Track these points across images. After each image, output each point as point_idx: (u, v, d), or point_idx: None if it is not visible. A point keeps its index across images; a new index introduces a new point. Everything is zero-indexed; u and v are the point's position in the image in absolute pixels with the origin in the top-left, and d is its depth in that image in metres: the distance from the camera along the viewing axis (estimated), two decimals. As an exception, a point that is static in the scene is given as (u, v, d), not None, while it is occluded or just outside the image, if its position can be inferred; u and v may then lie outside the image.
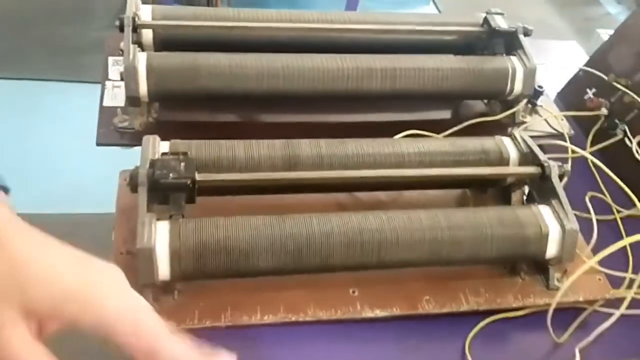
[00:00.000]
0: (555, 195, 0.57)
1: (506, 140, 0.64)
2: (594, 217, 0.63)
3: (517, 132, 0.63)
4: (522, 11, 2.56)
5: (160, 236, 0.49)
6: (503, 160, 0.62)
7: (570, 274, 0.60)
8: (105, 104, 0.71)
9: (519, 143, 0.62)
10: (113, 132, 0.68)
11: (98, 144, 0.67)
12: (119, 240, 0.56)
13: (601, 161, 0.70)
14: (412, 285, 0.58)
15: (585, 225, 0.65)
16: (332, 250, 0.52)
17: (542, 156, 0.60)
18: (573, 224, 0.55)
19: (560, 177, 0.58)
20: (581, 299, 0.59)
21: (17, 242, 0.35)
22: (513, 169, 0.61)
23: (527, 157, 0.62)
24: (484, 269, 0.60)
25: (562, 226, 0.56)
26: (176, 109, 0.72)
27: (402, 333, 0.57)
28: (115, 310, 0.35)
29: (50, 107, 1.85)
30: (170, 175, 0.51)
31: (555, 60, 0.96)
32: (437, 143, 0.63)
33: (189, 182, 0.51)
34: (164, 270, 0.49)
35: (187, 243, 0.50)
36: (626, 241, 0.56)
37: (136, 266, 0.50)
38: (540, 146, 0.63)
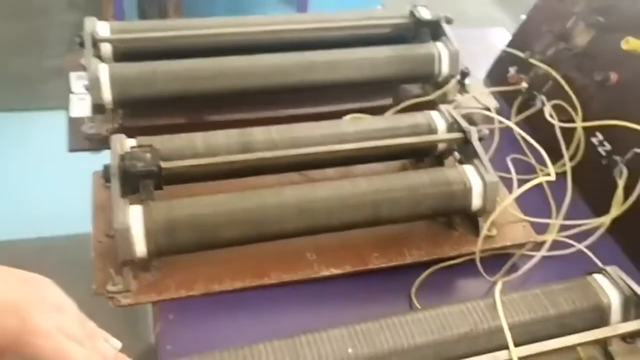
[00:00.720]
0: (477, 156, 0.66)
1: (434, 114, 0.72)
2: (513, 174, 0.72)
3: (443, 106, 0.72)
4: (468, 8, 2.66)
5: (134, 216, 0.56)
6: (432, 131, 0.71)
7: (498, 223, 0.69)
8: (72, 115, 0.77)
9: (445, 115, 0.71)
10: (82, 139, 0.75)
11: (70, 150, 0.74)
12: (98, 231, 0.63)
13: (526, 130, 0.80)
14: (362, 245, 0.66)
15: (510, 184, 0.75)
16: (287, 217, 0.60)
17: (464, 123, 0.69)
18: (492, 177, 0.64)
19: (480, 139, 0.67)
20: (508, 243, 0.68)
21: None
22: (440, 136, 0.70)
23: (453, 127, 0.71)
24: (423, 227, 0.69)
25: (484, 180, 0.64)
26: (139, 114, 0.79)
27: (355, 289, 0.65)
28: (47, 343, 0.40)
29: (12, 136, 1.87)
30: (138, 164, 0.58)
31: (486, 45, 1.06)
32: (375, 121, 0.72)
33: (155, 168, 0.58)
34: (140, 247, 0.56)
35: (160, 221, 0.57)
36: (535, 181, 0.65)
37: (115, 249, 0.57)
38: (471, 121, 0.72)
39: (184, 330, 0.58)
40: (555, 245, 0.71)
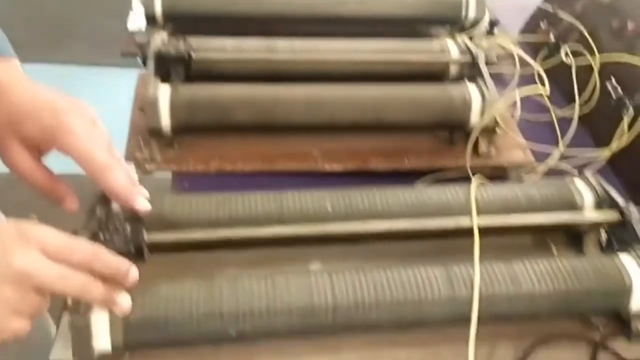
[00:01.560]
0: (481, 75, 0.71)
1: (449, 42, 0.77)
2: (517, 95, 0.76)
3: (459, 36, 0.77)
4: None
5: (163, 92, 0.65)
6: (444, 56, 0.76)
7: (498, 145, 0.74)
8: (129, 26, 0.87)
9: (458, 43, 0.76)
10: (134, 47, 0.84)
11: (122, 55, 0.83)
12: (135, 114, 0.72)
13: (547, 78, 0.83)
14: (364, 150, 0.72)
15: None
16: (295, 109, 0.67)
17: (474, 48, 0.73)
18: (492, 95, 0.69)
19: (487, 63, 0.71)
20: (504, 162, 0.72)
21: (16, 90, 0.49)
22: (448, 56, 0.74)
23: (465, 53, 0.75)
24: (425, 140, 0.74)
25: (483, 96, 0.69)
26: (188, 29, 0.83)
27: (355, 185, 0.70)
28: (76, 144, 0.47)
29: (83, 90, 2.02)
30: (172, 50, 0.67)
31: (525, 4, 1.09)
32: (394, 43, 0.77)
33: (186, 55, 0.67)
34: (165, 118, 0.65)
35: (183, 99, 0.65)
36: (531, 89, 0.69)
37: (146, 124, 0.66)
38: (490, 60, 0.75)
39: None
40: (554, 173, 0.74)
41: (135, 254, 0.49)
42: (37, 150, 0.50)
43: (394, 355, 0.52)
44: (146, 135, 0.68)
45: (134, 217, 0.49)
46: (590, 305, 0.52)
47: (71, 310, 0.44)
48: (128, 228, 0.48)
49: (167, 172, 0.68)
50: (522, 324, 0.54)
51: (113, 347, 0.45)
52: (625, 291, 0.52)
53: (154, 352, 0.49)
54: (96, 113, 0.51)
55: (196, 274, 0.55)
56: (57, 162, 0.52)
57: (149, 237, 0.49)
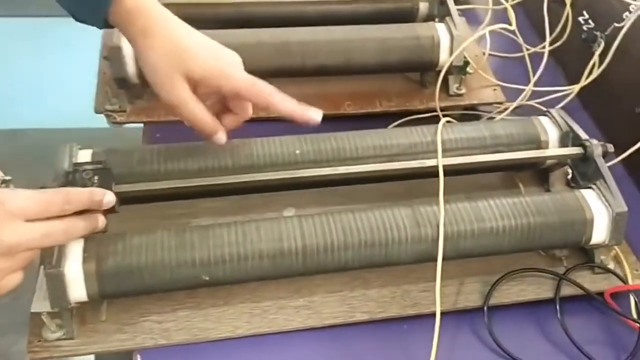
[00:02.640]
0: (449, 14, 0.70)
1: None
2: (486, 30, 0.75)
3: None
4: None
5: (125, 44, 0.64)
6: (413, -5, 0.74)
7: (469, 85, 0.74)
8: None
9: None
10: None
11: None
12: (103, 63, 0.71)
13: (521, 14, 0.83)
14: (336, 95, 0.72)
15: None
16: (264, 56, 0.67)
17: None
18: (460, 32, 0.68)
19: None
20: (475, 102, 0.73)
21: (175, 29, 0.52)
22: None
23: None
24: (396, 83, 0.74)
25: (451, 35, 0.69)
26: None
27: (327, 130, 0.71)
28: (241, 82, 0.52)
29: (53, 41, 1.96)
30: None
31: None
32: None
33: None
34: (131, 67, 0.64)
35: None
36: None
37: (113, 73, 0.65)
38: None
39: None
40: (525, 111, 0.75)
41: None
42: (194, 88, 0.52)
43: (364, 295, 0.54)
44: (115, 86, 0.67)
45: (103, 169, 0.49)
46: (552, 239, 0.54)
47: (45, 263, 0.45)
48: (96, 180, 0.48)
49: (138, 123, 0.68)
50: (488, 260, 0.56)
51: (89, 296, 0.47)
52: (587, 224, 0.53)
53: (133, 298, 0.50)
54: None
55: (168, 223, 0.56)
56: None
57: (118, 188, 0.49)
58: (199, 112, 0.52)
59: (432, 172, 0.56)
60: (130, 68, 0.64)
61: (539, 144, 0.60)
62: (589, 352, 0.52)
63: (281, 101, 0.53)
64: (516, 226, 0.52)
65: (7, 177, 0.49)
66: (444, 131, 0.59)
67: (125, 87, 0.66)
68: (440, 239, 0.51)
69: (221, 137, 0.53)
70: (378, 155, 0.57)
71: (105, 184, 0.48)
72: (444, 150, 0.57)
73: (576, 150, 0.57)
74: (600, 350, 0.53)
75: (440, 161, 0.55)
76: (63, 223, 0.44)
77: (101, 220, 0.47)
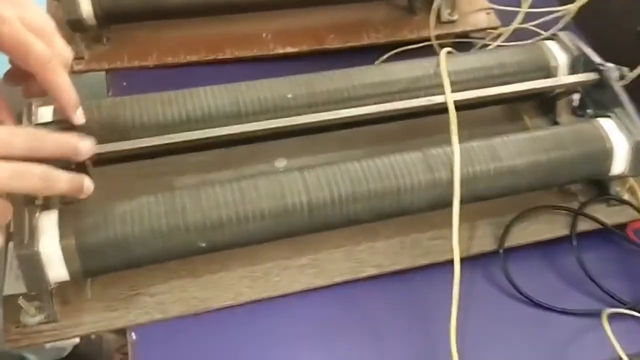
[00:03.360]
0: None
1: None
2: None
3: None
4: None
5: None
6: None
7: (461, 10, 0.68)
8: None
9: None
10: None
11: None
12: (51, 2, 0.62)
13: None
14: (319, 27, 0.66)
15: None
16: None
17: None
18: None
19: None
20: (469, 28, 0.67)
21: None
22: None
23: None
24: (383, 11, 0.68)
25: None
26: None
27: (311, 69, 0.64)
28: (10, 30, 0.39)
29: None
30: None
31: None
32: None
33: None
34: (85, 6, 0.56)
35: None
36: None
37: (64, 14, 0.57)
38: None
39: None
40: (520, 35, 0.70)
41: (76, 168, 0.43)
42: None
43: (372, 248, 0.50)
44: (68, 30, 0.58)
45: (69, 127, 0.42)
46: (572, 174, 0.50)
47: (16, 242, 0.38)
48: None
49: (99, 71, 0.60)
50: (497, 200, 0.52)
51: (71, 275, 0.41)
52: (607, 155, 0.50)
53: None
54: None
55: (151, 183, 0.50)
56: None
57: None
58: None
59: (436, 110, 0.51)
60: (86, 6, 0.56)
61: (548, 71, 0.55)
62: (608, 289, 0.50)
63: (55, 76, 0.41)
64: (535, 163, 0.48)
65: None
66: (448, 63, 0.53)
67: (81, 30, 0.58)
68: (456, 182, 0.46)
69: None
70: (378, 94, 0.51)
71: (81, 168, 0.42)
72: (449, 84, 0.51)
73: (591, 75, 0.53)
74: (619, 285, 0.51)
75: (450, 97, 0.50)
76: (39, 167, 0.37)
77: (87, 182, 0.41)
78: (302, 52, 0.64)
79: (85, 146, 0.41)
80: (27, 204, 0.39)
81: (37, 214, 0.40)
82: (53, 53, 0.41)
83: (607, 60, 0.69)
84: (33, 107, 0.45)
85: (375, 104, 0.51)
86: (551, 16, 0.70)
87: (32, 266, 0.39)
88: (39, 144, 0.38)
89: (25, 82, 0.43)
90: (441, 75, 0.52)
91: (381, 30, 0.66)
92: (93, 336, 1.06)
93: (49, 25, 0.43)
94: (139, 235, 0.41)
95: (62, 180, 0.39)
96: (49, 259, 0.39)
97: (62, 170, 0.39)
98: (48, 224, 0.40)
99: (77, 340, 1.02)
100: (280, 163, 0.54)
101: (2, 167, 0.35)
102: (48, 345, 0.44)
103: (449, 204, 0.47)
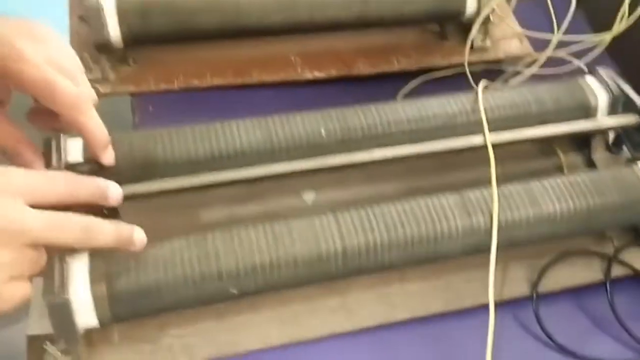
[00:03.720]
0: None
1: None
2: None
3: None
4: None
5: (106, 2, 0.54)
6: None
7: (493, 36, 0.66)
8: None
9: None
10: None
11: None
12: (74, 20, 0.61)
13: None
14: (348, 52, 0.64)
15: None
16: (267, 9, 0.58)
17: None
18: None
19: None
20: (502, 55, 0.66)
21: None
22: None
23: None
24: (414, 36, 0.66)
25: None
26: None
27: (339, 96, 0.63)
28: (33, 70, 0.38)
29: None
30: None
31: None
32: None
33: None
34: (113, 28, 0.54)
35: (133, 2, 0.54)
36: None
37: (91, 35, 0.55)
38: None
39: (161, 122, 0.58)
40: (552, 62, 0.68)
41: (107, 208, 0.41)
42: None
43: (404, 290, 0.48)
44: (94, 51, 0.57)
45: (100, 167, 0.41)
46: (611, 221, 0.49)
47: (46, 289, 0.37)
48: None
49: (125, 94, 0.59)
50: (535, 244, 0.51)
51: (100, 322, 0.40)
52: (647, 203, 0.48)
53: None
54: (52, 30, 0.41)
55: (179, 216, 0.49)
56: None
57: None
58: None
59: (474, 148, 0.50)
60: (114, 30, 0.54)
61: (587, 110, 0.54)
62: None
63: (85, 117, 0.40)
64: (575, 209, 0.47)
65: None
66: (484, 98, 0.52)
67: (107, 51, 0.57)
68: (494, 229, 0.45)
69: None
70: (413, 130, 0.50)
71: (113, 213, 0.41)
72: (487, 122, 0.50)
73: (632, 118, 0.51)
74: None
75: (489, 139, 0.48)
76: (81, 217, 0.36)
77: (138, 233, 0.39)
78: (331, 77, 0.62)
79: (115, 193, 0.39)
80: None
81: (66, 258, 0.39)
82: (80, 92, 0.40)
83: (636, 87, 0.68)
84: (62, 140, 0.44)
85: (409, 140, 0.50)
86: (582, 47, 0.69)
87: (62, 315, 0.38)
88: (75, 190, 0.37)
89: (50, 120, 0.42)
90: (478, 113, 0.50)
91: (412, 55, 0.64)
92: None
93: (75, 62, 0.42)
94: (171, 282, 0.40)
95: (106, 232, 0.37)
96: (79, 306, 0.38)
97: (106, 220, 0.38)
98: (79, 270, 0.39)
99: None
100: (309, 196, 0.53)
101: (40, 217, 0.34)
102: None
103: (486, 250, 0.45)
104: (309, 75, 0.62)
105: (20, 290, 0.36)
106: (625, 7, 0.68)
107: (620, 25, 0.68)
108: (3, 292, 0.34)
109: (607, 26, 0.70)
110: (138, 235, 0.39)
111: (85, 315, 0.39)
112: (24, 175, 0.36)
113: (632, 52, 0.69)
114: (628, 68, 0.69)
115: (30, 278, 0.36)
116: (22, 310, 0.82)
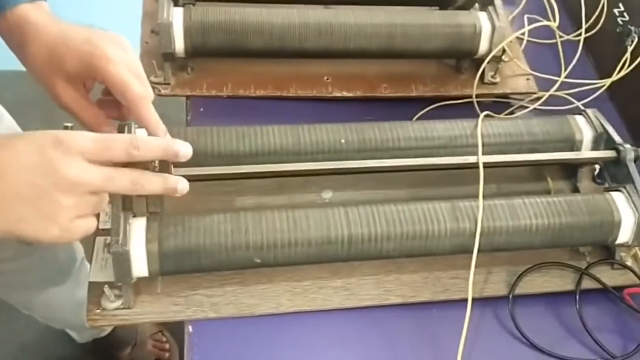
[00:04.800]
0: (492, 3, 0.71)
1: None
2: (526, 27, 0.77)
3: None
4: None
5: (176, 15, 0.65)
6: None
7: (503, 73, 0.75)
8: None
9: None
10: None
11: None
12: (146, 33, 0.72)
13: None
14: (374, 77, 0.74)
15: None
16: (308, 36, 0.68)
17: None
18: (502, 23, 0.70)
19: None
20: (509, 90, 0.75)
21: (50, 29, 0.51)
22: None
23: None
24: (432, 68, 0.76)
25: (493, 24, 0.70)
26: None
27: (363, 113, 0.73)
28: (111, 77, 0.49)
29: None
30: (184, -30, 0.66)
31: None
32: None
33: (198, -22, 0.66)
34: (179, 42, 0.65)
35: (197, 21, 0.65)
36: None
37: (159, 47, 0.66)
38: None
39: (209, 122, 0.68)
40: (555, 101, 0.77)
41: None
42: (83, 86, 0.52)
43: (398, 279, 0.57)
44: (160, 59, 0.68)
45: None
46: (581, 238, 0.57)
47: (112, 241, 0.47)
48: (157, 163, 0.50)
49: (181, 96, 0.70)
50: (515, 252, 0.59)
51: (150, 273, 0.50)
52: (615, 226, 0.56)
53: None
54: (127, 40, 0.52)
55: (218, 200, 0.59)
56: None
57: (176, 172, 0.52)
58: (81, 116, 0.52)
59: (469, 166, 0.59)
60: (179, 44, 0.65)
61: (573, 143, 0.62)
62: (602, 342, 0.56)
63: (147, 112, 0.50)
64: (549, 225, 0.55)
65: (69, 124, 0.49)
66: (483, 125, 0.61)
67: (171, 60, 0.68)
68: (477, 234, 0.54)
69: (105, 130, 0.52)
70: (419, 147, 0.59)
71: (164, 167, 0.51)
72: (482, 145, 0.59)
73: (609, 153, 0.60)
74: (612, 340, 0.58)
75: (481, 159, 0.57)
76: (131, 171, 0.45)
77: (181, 182, 0.48)
78: (357, 97, 0.72)
79: (185, 150, 0.48)
80: (125, 209, 0.49)
81: (130, 219, 0.49)
82: (145, 91, 0.50)
83: (634, 133, 0.75)
84: (133, 128, 0.55)
85: (416, 155, 0.59)
86: (586, 88, 0.77)
87: (122, 262, 0.48)
88: (138, 152, 0.45)
89: (115, 108, 0.53)
90: (476, 137, 0.59)
91: (429, 84, 0.74)
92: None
93: (141, 67, 0.52)
94: (208, 247, 0.50)
95: (154, 182, 0.46)
96: (136, 258, 0.48)
97: (151, 173, 0.47)
98: (137, 230, 0.49)
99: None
100: (327, 194, 0.62)
101: (97, 169, 0.43)
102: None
103: (469, 251, 0.54)
104: (338, 93, 0.72)
105: (86, 224, 0.45)
106: (626, 57, 0.76)
107: (620, 71, 0.76)
108: (71, 227, 0.44)
109: (611, 70, 0.78)
110: (182, 185, 0.48)
111: (139, 265, 0.49)
112: (85, 137, 0.44)
113: (631, 96, 0.77)
114: (626, 109, 0.78)
115: (95, 214, 0.45)
116: (64, 274, 0.93)
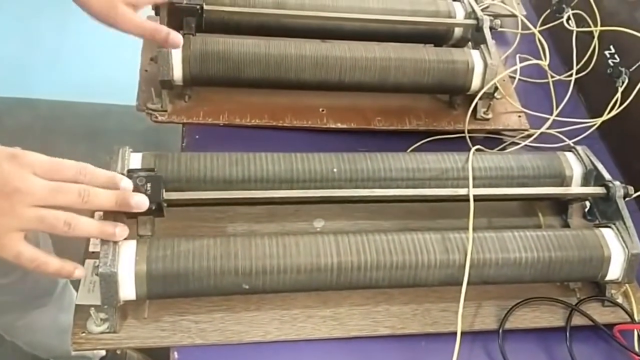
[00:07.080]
0: (485, 41, 0.73)
1: (455, 3, 0.78)
2: (518, 66, 0.78)
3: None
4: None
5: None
6: (450, 17, 0.77)
7: (496, 110, 0.77)
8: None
9: (464, 5, 0.77)
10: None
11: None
12: (145, 60, 0.74)
13: (547, 40, 0.85)
14: (368, 110, 0.75)
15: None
16: (304, 68, 0.69)
17: (479, 12, 0.74)
18: (494, 61, 0.71)
19: (491, 29, 0.73)
20: (500, 127, 0.76)
21: None
22: (454, 20, 0.76)
23: (470, 16, 0.77)
24: (426, 103, 0.77)
25: (485, 62, 0.71)
26: None
27: (357, 145, 0.74)
28: None
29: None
30: (185, 1, 0.67)
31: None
32: (398, 2, 0.78)
33: (198, 7, 0.67)
34: (177, 70, 0.66)
35: (195, 51, 0.67)
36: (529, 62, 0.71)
37: (157, 74, 0.68)
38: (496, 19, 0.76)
39: (204, 149, 0.68)
40: (547, 139, 0.78)
41: (155, 210, 0.52)
42: (134, 7, 0.60)
43: (388, 310, 0.57)
44: (158, 86, 0.69)
45: (155, 177, 0.52)
46: (571, 273, 0.57)
47: (102, 262, 0.47)
48: (149, 187, 0.51)
49: (178, 124, 0.70)
50: (505, 286, 0.59)
51: (137, 296, 0.49)
52: (604, 262, 0.57)
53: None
54: None
55: (209, 226, 0.59)
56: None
57: (168, 195, 0.52)
58: (143, 28, 0.60)
59: (460, 199, 0.59)
60: (177, 72, 0.66)
61: (563, 179, 0.63)
62: (593, 380, 0.56)
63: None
64: (538, 259, 0.55)
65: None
66: (474, 159, 0.62)
67: (169, 88, 0.69)
68: (466, 265, 0.54)
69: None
70: (410, 178, 0.60)
71: (155, 191, 0.51)
72: (473, 179, 0.60)
73: (599, 189, 0.60)
74: (603, 378, 0.57)
75: (471, 191, 0.58)
76: (78, 186, 0.46)
77: (120, 229, 0.48)
78: (351, 128, 0.73)
79: (138, 200, 0.49)
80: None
81: (119, 242, 0.49)
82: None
83: (624, 171, 0.76)
84: (127, 152, 0.55)
85: (407, 186, 0.60)
86: (577, 126, 0.78)
87: (109, 284, 0.48)
88: (84, 178, 0.47)
89: None
90: (467, 170, 0.60)
91: (422, 118, 0.75)
92: (119, 351, 1.14)
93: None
94: (197, 271, 0.50)
95: (102, 196, 0.47)
96: (124, 280, 0.48)
97: (100, 189, 0.47)
98: (127, 251, 0.49)
99: (103, 352, 1.11)
100: (319, 223, 0.62)
101: (44, 182, 0.45)
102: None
103: (459, 282, 0.54)
104: (332, 125, 0.73)
105: (19, 245, 0.45)
106: (618, 95, 0.78)
107: (611, 111, 0.77)
108: (5, 242, 0.45)
109: (602, 110, 0.79)
110: (137, 200, 0.49)
111: (127, 288, 0.49)
112: (38, 155, 0.46)
113: (621, 136, 0.78)
114: (617, 148, 0.78)
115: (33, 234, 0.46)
116: (45, 297, 0.92)
